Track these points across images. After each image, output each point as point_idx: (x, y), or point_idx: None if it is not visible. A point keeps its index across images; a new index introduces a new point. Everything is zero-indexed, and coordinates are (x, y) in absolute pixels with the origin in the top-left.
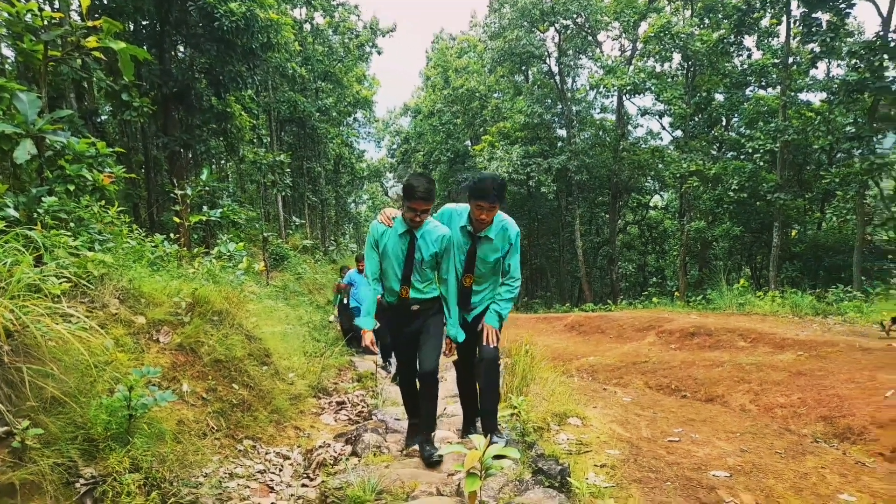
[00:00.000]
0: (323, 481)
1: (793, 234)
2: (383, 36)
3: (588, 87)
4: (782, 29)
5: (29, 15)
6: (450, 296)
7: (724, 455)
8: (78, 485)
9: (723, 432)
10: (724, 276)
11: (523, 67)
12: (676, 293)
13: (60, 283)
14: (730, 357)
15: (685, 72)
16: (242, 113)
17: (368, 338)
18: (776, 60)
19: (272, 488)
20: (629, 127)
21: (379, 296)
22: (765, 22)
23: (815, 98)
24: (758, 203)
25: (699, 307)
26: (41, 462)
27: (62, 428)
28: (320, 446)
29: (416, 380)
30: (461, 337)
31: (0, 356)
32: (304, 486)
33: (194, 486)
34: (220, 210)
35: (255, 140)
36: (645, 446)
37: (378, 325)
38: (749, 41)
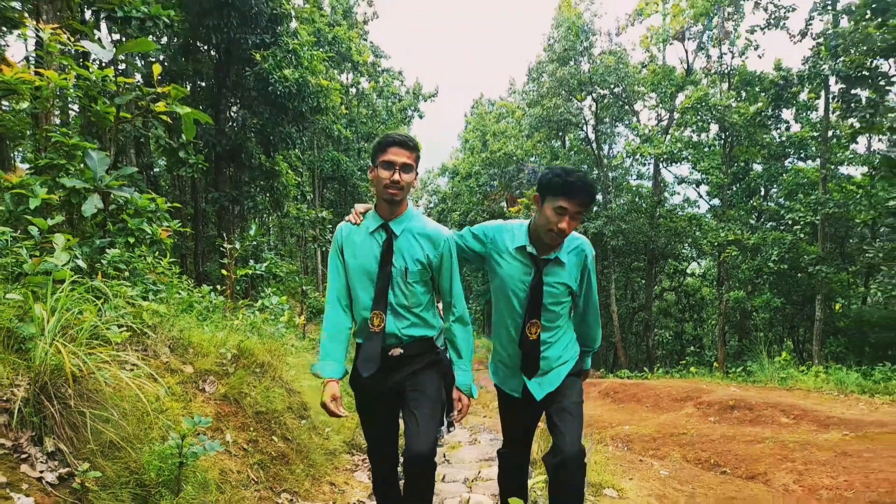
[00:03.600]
0: None
1: (836, 307)
2: (425, 100)
3: (624, 155)
4: (821, 103)
5: (103, 80)
6: (460, 341)
7: None
8: None
9: None
10: (764, 348)
11: (560, 133)
12: (715, 364)
13: (121, 332)
14: (772, 433)
15: (722, 142)
16: (289, 171)
17: (328, 394)
18: (815, 134)
19: None
20: (666, 194)
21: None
22: (803, 96)
23: (857, 171)
24: (799, 275)
25: (739, 379)
26: None
27: (118, 472)
28: (355, 503)
29: (397, 469)
30: (510, 389)
31: (66, 400)
32: None
33: None
34: (265, 264)
35: (298, 196)
36: None
37: (348, 371)
38: (787, 114)
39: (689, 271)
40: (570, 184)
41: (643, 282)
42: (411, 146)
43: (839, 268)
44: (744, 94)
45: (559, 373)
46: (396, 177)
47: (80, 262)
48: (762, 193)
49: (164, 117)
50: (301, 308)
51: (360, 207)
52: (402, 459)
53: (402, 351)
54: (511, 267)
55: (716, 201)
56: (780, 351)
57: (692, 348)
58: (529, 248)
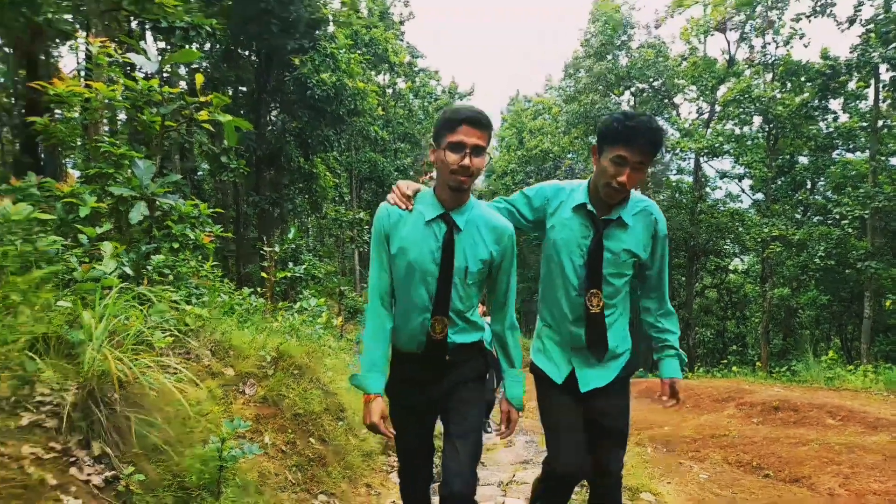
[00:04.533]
0: None
1: (887, 304)
2: (461, 99)
3: (664, 150)
4: (871, 92)
5: (149, 90)
6: (513, 348)
7: None
8: None
9: None
10: (811, 347)
11: None
12: (758, 363)
13: (165, 337)
14: (817, 435)
15: (766, 134)
16: (327, 173)
17: (376, 412)
18: (864, 124)
19: None
20: (707, 189)
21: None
22: (851, 85)
23: None
24: (847, 271)
25: (783, 379)
26: None
27: (160, 475)
28: None
29: (430, 488)
30: (555, 375)
31: (113, 405)
32: None
33: None
34: (304, 266)
35: (336, 198)
36: None
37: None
38: (835, 104)
39: (731, 268)
40: (630, 129)
41: (683, 279)
42: (485, 124)
43: (889, 263)
44: (788, 84)
45: (611, 367)
46: (467, 161)
47: (127, 269)
48: (808, 187)
49: (207, 125)
50: (339, 309)
51: (406, 187)
52: (438, 490)
53: (453, 356)
54: (567, 230)
55: (759, 196)
56: (827, 350)
57: (734, 347)
58: (589, 207)
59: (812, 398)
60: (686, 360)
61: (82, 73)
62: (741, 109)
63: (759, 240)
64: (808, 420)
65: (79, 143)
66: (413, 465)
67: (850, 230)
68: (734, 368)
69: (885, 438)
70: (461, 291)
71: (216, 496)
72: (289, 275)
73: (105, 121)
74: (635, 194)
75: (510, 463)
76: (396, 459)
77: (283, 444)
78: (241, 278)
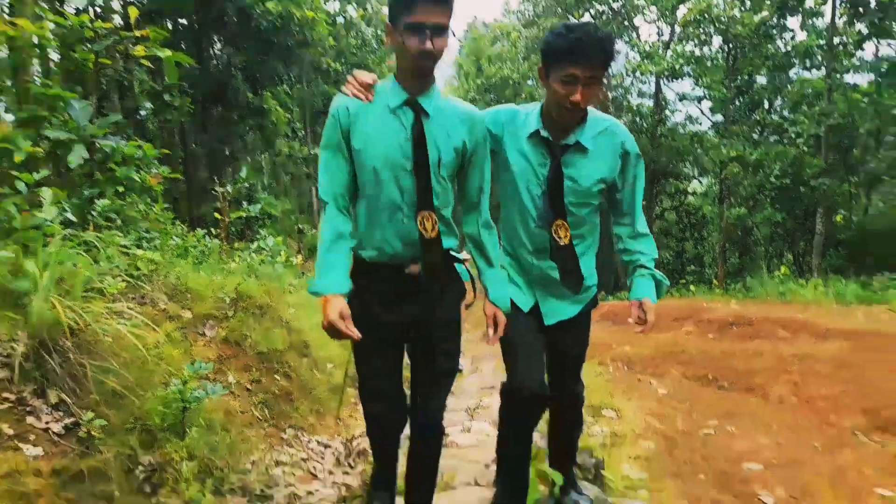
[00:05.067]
0: (363, 469)
1: (837, 219)
2: None
3: (625, 73)
4: (827, 8)
5: (80, 26)
6: (490, 247)
7: (760, 448)
8: (138, 471)
9: (761, 424)
10: (765, 264)
11: None
12: (715, 281)
13: (117, 283)
14: (770, 347)
15: (726, 55)
16: (278, 108)
17: (334, 309)
18: (821, 42)
19: (315, 475)
20: (667, 112)
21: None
22: (809, 2)
23: (863, 80)
24: (801, 189)
25: (738, 296)
26: (105, 451)
27: (122, 419)
28: (359, 436)
29: (401, 429)
30: (521, 303)
31: (66, 353)
32: (345, 473)
33: (243, 473)
34: (259, 205)
35: (289, 134)
36: (680, 439)
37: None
38: (793, 22)
39: (690, 190)
40: (575, 43)
41: (644, 203)
42: (444, 0)
43: (842, 179)
44: (748, 3)
45: (575, 303)
46: (428, 45)
47: (70, 215)
48: (766, 107)
49: (146, 62)
50: (299, 247)
51: (363, 76)
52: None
53: (419, 268)
54: (522, 159)
55: (718, 117)
56: (780, 266)
57: (692, 267)
58: (543, 133)
59: (766, 312)
60: (667, 284)
61: (5, 10)
62: (701, 30)
63: (717, 161)
64: (762, 333)
65: (8, 86)
66: (382, 396)
67: (805, 149)
68: (692, 288)
69: (834, 347)
70: (436, 186)
71: (181, 436)
72: (244, 215)
73: (35, 61)
74: (595, 114)
75: (477, 389)
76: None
77: (248, 383)
78: (194, 220)
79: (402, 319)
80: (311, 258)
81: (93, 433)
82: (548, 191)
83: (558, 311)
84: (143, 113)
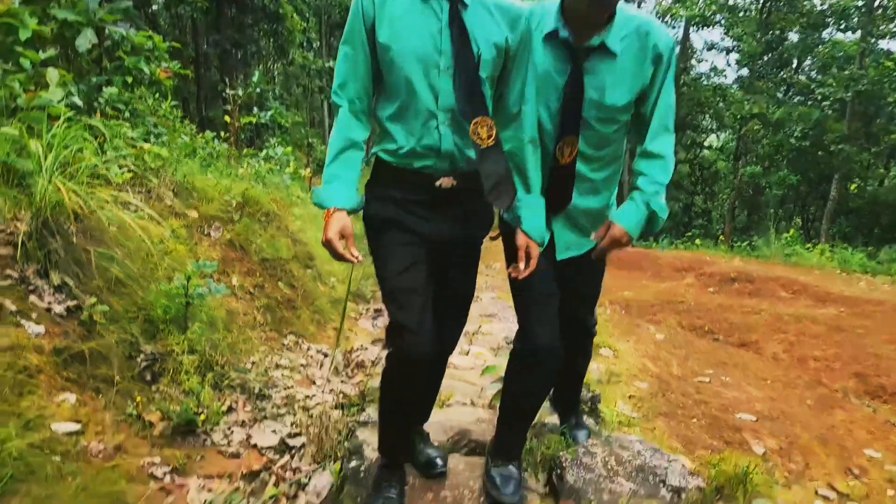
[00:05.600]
0: (361, 381)
1: (852, 187)
2: None
3: (654, 16)
4: None
5: None
6: (532, 168)
7: (752, 400)
8: (140, 359)
9: (753, 378)
10: (773, 225)
11: None
12: (721, 237)
13: (123, 173)
14: (769, 306)
15: (760, 7)
16: (294, 14)
17: (334, 227)
18: (860, 3)
19: (313, 381)
20: (693, 61)
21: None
22: None
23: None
24: (819, 153)
25: (743, 253)
26: (107, 336)
27: (125, 308)
28: (358, 349)
29: (427, 363)
30: (545, 237)
31: (70, 237)
32: (343, 382)
33: (244, 372)
34: (270, 112)
35: (304, 44)
36: (674, 383)
37: (361, 201)
38: None
39: (706, 144)
40: None
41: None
42: None
43: (862, 147)
44: None
45: (590, 240)
46: None
47: (77, 100)
48: (794, 66)
49: None
50: (307, 160)
51: None
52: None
53: (454, 182)
54: (538, 65)
55: (744, 71)
56: (788, 228)
57: (700, 221)
58: (563, 34)
59: (769, 272)
60: (663, 217)
61: None
62: None
63: (738, 117)
64: (762, 291)
65: None
66: (411, 313)
67: (829, 112)
68: (697, 241)
69: (832, 312)
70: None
71: (183, 330)
72: (254, 120)
73: None
74: (624, 9)
75: (476, 315)
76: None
77: (251, 287)
78: (204, 123)
79: (430, 233)
80: (318, 173)
81: (95, 318)
82: (565, 104)
83: (573, 244)
84: (154, 7)
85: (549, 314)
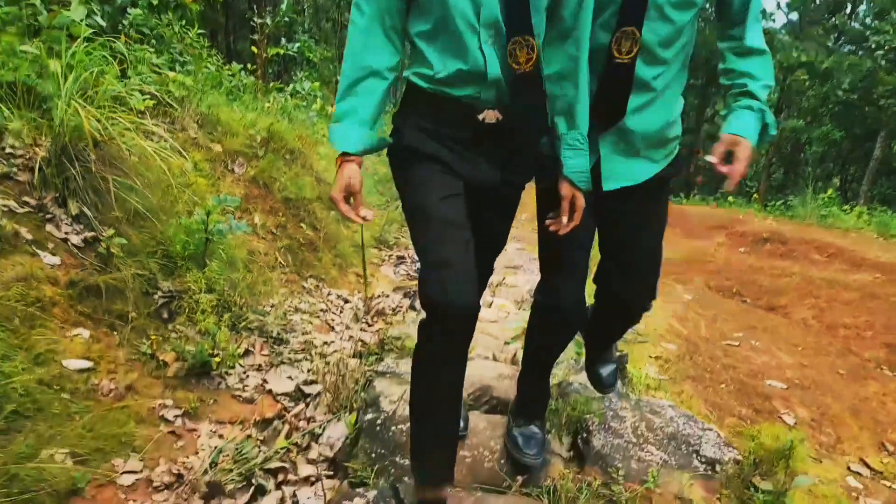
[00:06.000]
0: (381, 329)
1: (895, 147)
2: None
3: None
4: None
5: None
6: (580, 97)
7: (782, 367)
8: (157, 296)
9: (784, 343)
10: (811, 184)
11: None
12: (755, 195)
13: (144, 100)
14: (801, 269)
15: None
16: None
17: (342, 181)
18: None
19: (332, 327)
20: None
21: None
22: None
23: None
24: (867, 107)
25: (776, 213)
26: (124, 270)
27: (144, 241)
28: (379, 296)
29: (471, 319)
30: (586, 179)
31: (88, 164)
32: (362, 329)
33: (262, 315)
34: (297, 45)
35: None
36: (702, 345)
37: (379, 141)
38: None
39: None
40: None
41: (696, 101)
42: None
43: None
44: None
45: (648, 161)
46: None
47: (99, 20)
48: (848, 11)
49: None
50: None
51: None
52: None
53: (499, 117)
54: None
55: (794, 16)
56: (826, 189)
57: None
58: None
59: (803, 233)
60: (774, 128)
61: None
62: None
63: (784, 65)
64: (794, 254)
65: None
66: (453, 233)
67: (882, 63)
68: (730, 199)
69: (867, 278)
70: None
71: (202, 267)
72: (281, 52)
73: None
74: None
75: (500, 267)
76: (391, 247)
77: (274, 227)
78: (231, 55)
79: (468, 175)
80: None
81: (112, 250)
82: None
83: (624, 171)
84: None
85: (576, 269)
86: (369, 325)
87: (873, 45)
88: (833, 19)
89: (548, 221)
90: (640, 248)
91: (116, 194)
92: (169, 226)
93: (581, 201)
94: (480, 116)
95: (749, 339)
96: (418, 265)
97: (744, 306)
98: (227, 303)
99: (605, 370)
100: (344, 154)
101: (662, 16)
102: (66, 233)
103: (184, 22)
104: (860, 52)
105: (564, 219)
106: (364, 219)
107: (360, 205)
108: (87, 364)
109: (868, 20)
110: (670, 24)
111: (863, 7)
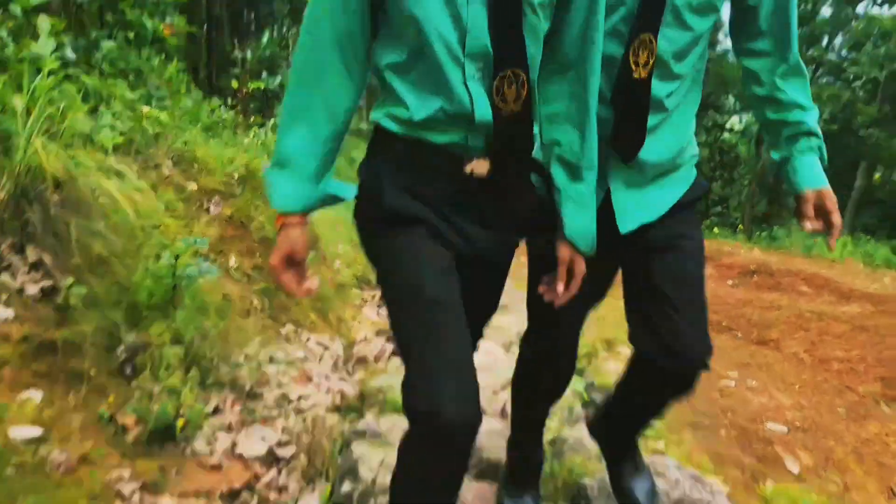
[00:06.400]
0: (362, 378)
1: (876, 177)
2: None
3: None
4: None
5: None
6: (584, 126)
7: (781, 407)
8: (119, 350)
9: (780, 382)
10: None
11: None
12: (740, 226)
13: (114, 137)
14: (789, 302)
15: None
16: None
17: (282, 247)
18: None
19: (310, 378)
20: (720, 35)
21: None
22: None
23: None
24: (848, 138)
25: (762, 243)
26: (83, 323)
27: (107, 290)
28: (361, 341)
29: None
30: (591, 241)
31: (48, 207)
32: (342, 379)
33: (235, 366)
34: (279, 78)
35: None
36: (698, 388)
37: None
38: None
39: (728, 126)
40: None
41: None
42: None
43: (892, 133)
44: None
45: (666, 188)
46: None
47: (70, 53)
48: (825, 43)
49: None
50: None
51: None
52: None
53: (490, 169)
54: None
55: None
56: None
57: (718, 209)
58: None
59: (790, 265)
60: (825, 155)
61: None
62: None
63: None
64: (782, 286)
65: None
66: (447, 326)
67: (860, 93)
68: (715, 230)
69: (855, 309)
70: (530, 17)
71: (168, 316)
72: (262, 86)
73: None
74: None
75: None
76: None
77: (250, 268)
78: (213, 90)
79: (456, 243)
80: None
81: (71, 301)
82: None
83: (640, 207)
84: None
85: (572, 315)
86: (350, 374)
87: (851, 76)
88: (810, 51)
89: (541, 288)
90: (686, 279)
91: (79, 239)
92: (135, 272)
93: (581, 266)
94: (468, 168)
95: (745, 377)
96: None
97: (736, 342)
98: (196, 355)
99: (640, 488)
100: (284, 215)
101: (680, 21)
102: (23, 282)
103: (163, 56)
104: (838, 84)
105: (561, 286)
106: (309, 293)
107: (305, 275)
108: (38, 432)
109: (844, 52)
110: (688, 31)
111: (839, 39)
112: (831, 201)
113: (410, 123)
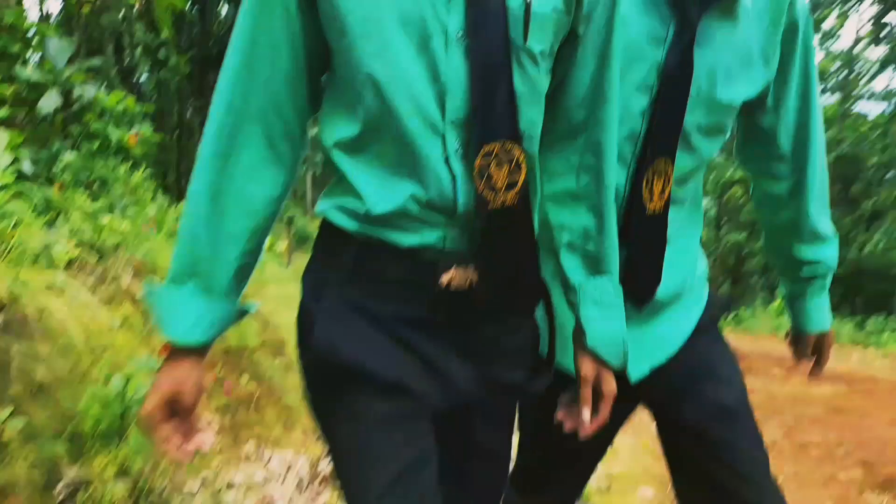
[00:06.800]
0: (328, 500)
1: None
2: None
3: None
4: (848, 31)
5: None
6: (602, 209)
7: None
8: (58, 488)
9: None
10: (760, 295)
11: None
12: None
13: (68, 252)
14: (762, 385)
15: None
16: None
17: (160, 390)
18: (837, 65)
19: (272, 502)
20: None
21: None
22: (827, 24)
23: (872, 110)
24: None
25: (729, 325)
26: (20, 461)
27: (48, 421)
28: (326, 456)
29: None
30: (620, 351)
31: None
32: (310, 501)
33: (188, 496)
34: None
35: None
36: None
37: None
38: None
39: None
40: None
41: None
42: None
43: (843, 213)
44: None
45: (677, 320)
46: None
47: (27, 166)
48: None
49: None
50: (287, 234)
51: None
52: None
53: (473, 279)
54: (629, 28)
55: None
56: (774, 298)
57: None
58: None
59: (759, 346)
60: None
61: None
62: None
63: (719, 183)
64: (754, 369)
65: None
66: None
67: None
68: None
69: (828, 391)
70: (519, 80)
71: (117, 446)
72: None
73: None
74: None
75: None
76: None
77: (209, 383)
78: (182, 195)
79: (434, 392)
80: (299, 247)
81: (6, 436)
82: (663, 93)
83: (651, 346)
84: (142, 78)
85: (574, 472)
86: (317, 495)
87: None
88: None
89: (560, 415)
90: (734, 403)
91: (20, 365)
92: (80, 399)
93: (611, 384)
94: (444, 279)
95: None
96: None
97: None
98: (146, 488)
99: None
100: (171, 346)
101: (687, 144)
102: None
103: (130, 164)
104: None
105: (586, 413)
106: (191, 455)
107: (194, 430)
108: None
109: None
110: (695, 155)
111: None
112: (830, 341)
113: (367, 218)
